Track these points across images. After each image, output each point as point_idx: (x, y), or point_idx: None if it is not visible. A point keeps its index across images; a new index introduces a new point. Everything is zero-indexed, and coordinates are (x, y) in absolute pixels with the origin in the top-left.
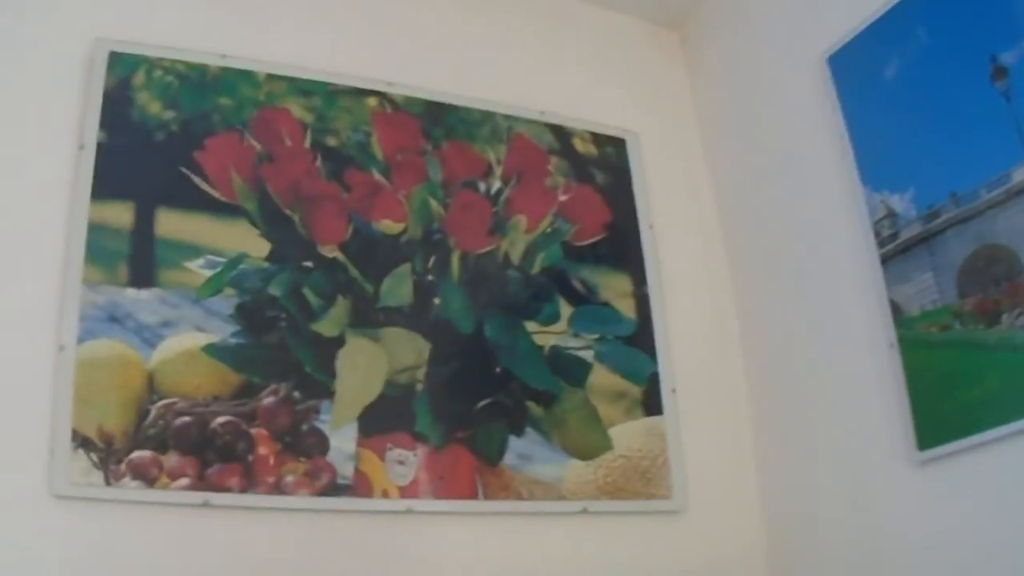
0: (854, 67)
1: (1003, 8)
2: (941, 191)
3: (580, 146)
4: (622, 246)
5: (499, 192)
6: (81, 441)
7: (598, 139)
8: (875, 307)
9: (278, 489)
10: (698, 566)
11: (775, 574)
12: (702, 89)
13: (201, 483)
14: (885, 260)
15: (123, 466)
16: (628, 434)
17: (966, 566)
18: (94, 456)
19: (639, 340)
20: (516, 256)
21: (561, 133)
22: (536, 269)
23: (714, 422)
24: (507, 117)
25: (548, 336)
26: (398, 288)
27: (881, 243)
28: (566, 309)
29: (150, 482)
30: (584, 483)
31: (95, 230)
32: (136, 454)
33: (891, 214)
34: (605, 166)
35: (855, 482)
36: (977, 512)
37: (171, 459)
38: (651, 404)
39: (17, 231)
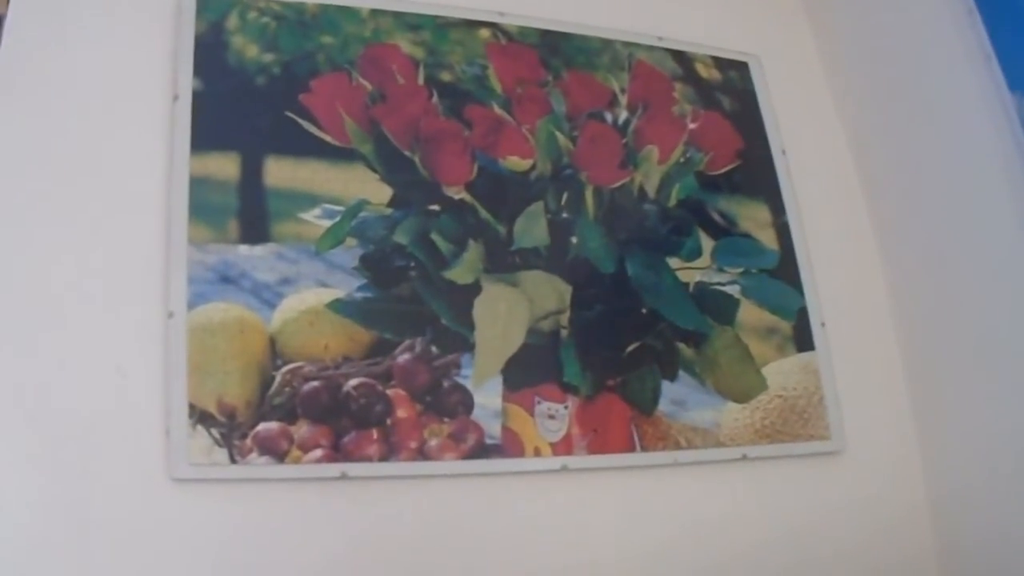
0: None
1: None
2: None
3: (703, 71)
4: (757, 173)
5: (627, 122)
6: (200, 416)
7: (720, 63)
8: None
9: (421, 454)
10: (858, 508)
11: (937, 513)
12: (820, 4)
13: (337, 454)
14: None
15: (249, 441)
16: (782, 372)
17: None
18: (215, 432)
19: (784, 272)
20: (651, 189)
21: (683, 59)
22: (673, 202)
23: (864, 357)
24: (626, 44)
25: (692, 272)
26: (533, 228)
27: None
28: (707, 242)
29: (280, 456)
30: (742, 427)
31: (198, 184)
32: (263, 426)
33: None
34: (730, 91)
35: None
36: None
37: (301, 429)
38: (802, 339)
39: (113, 191)
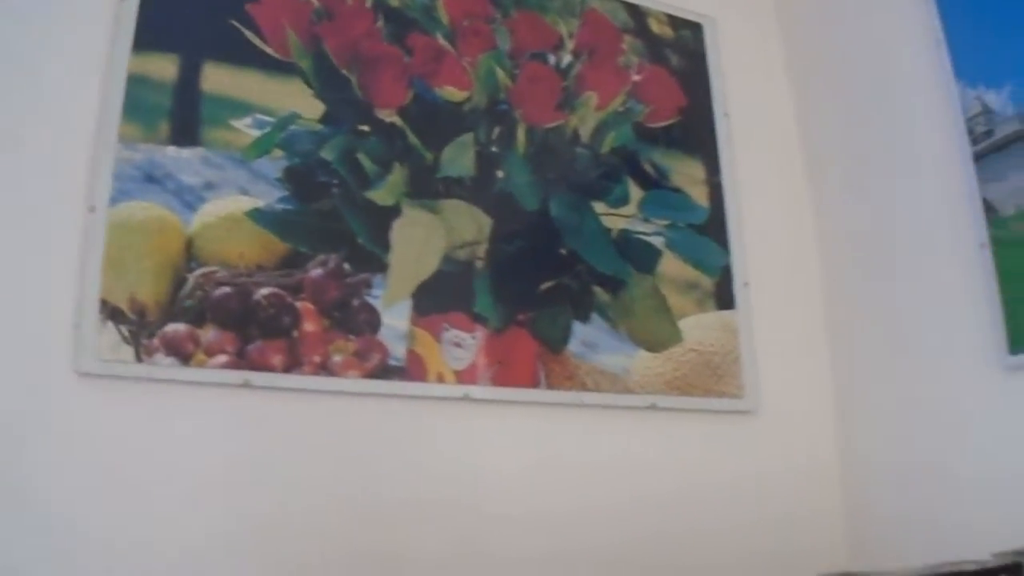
0: None
1: None
2: None
3: (656, 27)
4: (696, 132)
5: (570, 66)
6: (110, 312)
7: (674, 21)
8: (966, 206)
9: (324, 369)
10: (769, 469)
11: (849, 480)
12: None
13: (241, 361)
14: (979, 158)
15: (156, 340)
16: (699, 327)
17: None
18: (124, 329)
19: (711, 230)
20: (586, 133)
21: (636, 12)
22: (606, 148)
23: (787, 320)
24: None
25: (617, 219)
26: (460, 158)
27: (975, 140)
28: (636, 192)
29: (185, 359)
30: (653, 376)
31: (135, 83)
32: (171, 327)
33: (986, 111)
34: (681, 49)
35: (938, 384)
36: None
37: (209, 333)
38: (723, 297)
39: (49, 82)
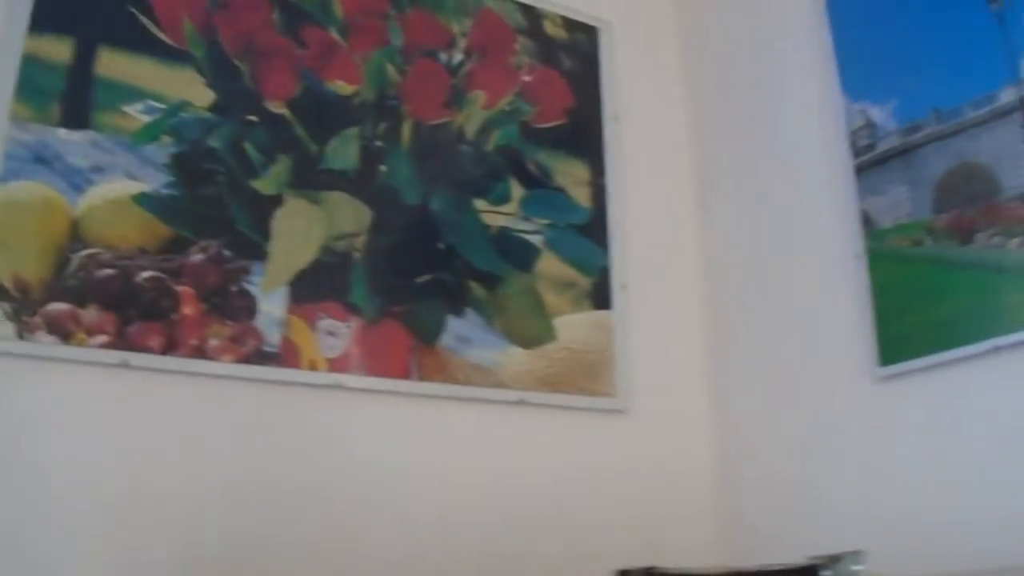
0: None
1: None
2: (924, 106)
3: (550, 29)
4: (583, 134)
5: (460, 64)
6: None
7: (570, 24)
8: (845, 217)
9: (201, 352)
10: (640, 469)
11: (722, 483)
12: None
13: (120, 341)
14: (860, 170)
15: (38, 318)
16: (574, 326)
17: (921, 483)
18: (7, 306)
19: (592, 231)
20: (471, 131)
21: (532, 13)
22: (490, 147)
23: (665, 323)
24: None
25: (497, 216)
26: (344, 150)
27: (856, 153)
28: (518, 191)
29: (66, 337)
30: (524, 372)
31: (29, 64)
32: (53, 306)
33: (869, 125)
34: (574, 52)
35: (810, 393)
36: (936, 430)
37: (90, 313)
38: (600, 297)
39: None
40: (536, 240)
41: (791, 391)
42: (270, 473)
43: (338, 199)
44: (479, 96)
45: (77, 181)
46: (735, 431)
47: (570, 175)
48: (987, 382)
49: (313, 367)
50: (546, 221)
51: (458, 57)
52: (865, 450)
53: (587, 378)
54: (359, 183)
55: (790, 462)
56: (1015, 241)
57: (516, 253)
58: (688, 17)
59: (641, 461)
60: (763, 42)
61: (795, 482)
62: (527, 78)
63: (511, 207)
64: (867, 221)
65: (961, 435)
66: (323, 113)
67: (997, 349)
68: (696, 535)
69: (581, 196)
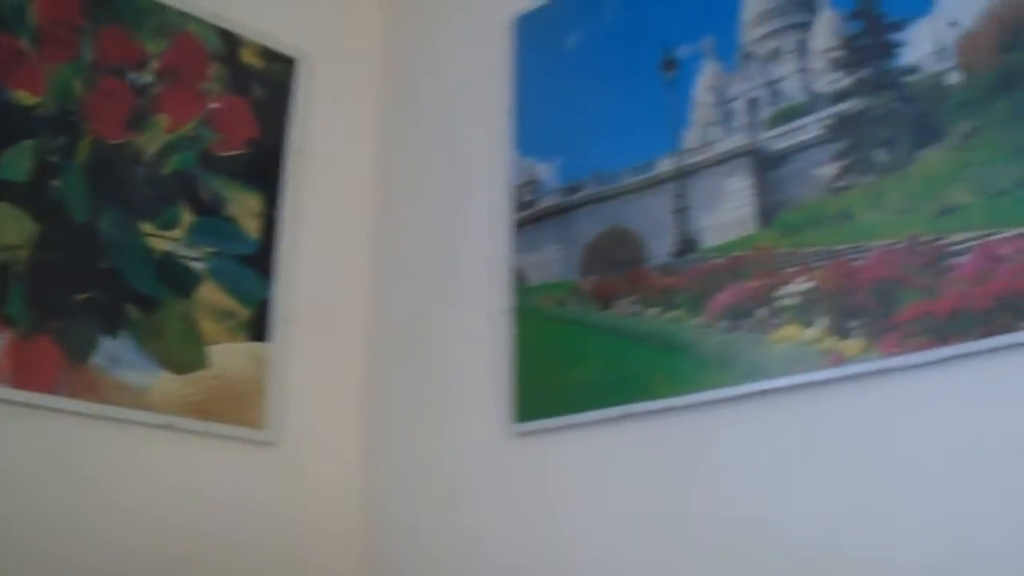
0: (539, 31)
1: (687, 3)
2: (586, 167)
3: (247, 57)
4: (263, 165)
5: (149, 86)
6: None
7: (268, 54)
8: (500, 271)
9: None
10: (286, 503)
11: (368, 525)
12: (394, 25)
13: None
14: (519, 225)
15: None
16: (228, 355)
17: (553, 541)
18: None
19: (258, 262)
20: (149, 154)
21: (230, 40)
22: (166, 170)
23: (326, 361)
24: (180, 13)
25: (163, 241)
26: (18, 161)
27: (519, 208)
28: (188, 217)
29: None
30: (172, 397)
31: None
32: None
33: (534, 181)
34: (268, 82)
35: (451, 443)
36: (565, 490)
37: None
38: (259, 329)
39: None
40: (199, 267)
41: (435, 440)
42: None
43: (4, 210)
44: (163, 119)
45: None
46: (384, 474)
47: (243, 205)
48: (617, 447)
49: None
50: (212, 249)
51: (147, 78)
52: (499, 505)
53: (237, 408)
54: (29, 196)
55: (433, 510)
56: (652, 311)
57: (177, 279)
58: (391, 58)
59: (288, 496)
60: (452, 91)
61: (437, 529)
62: (214, 105)
63: (178, 233)
64: (520, 277)
65: (588, 497)
66: (2, 122)
67: (627, 416)
68: (341, 570)
69: (252, 227)
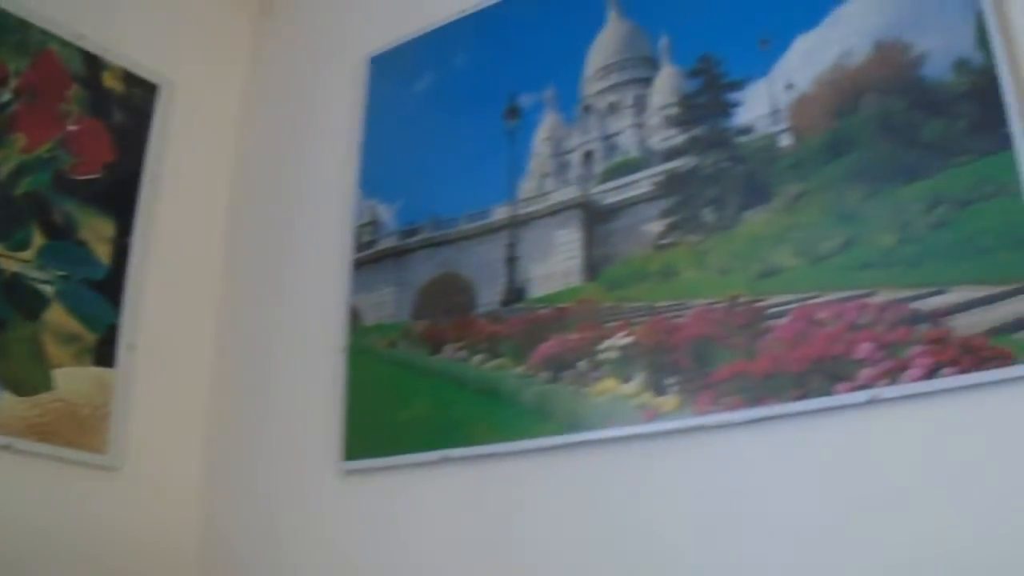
0: (392, 72)
1: (534, 53)
2: (425, 211)
3: (109, 81)
4: (119, 191)
5: (6, 104)
6: None
7: (130, 78)
8: (337, 309)
9: None
10: (125, 529)
11: (207, 556)
12: (258, 58)
13: None
14: (358, 265)
15: None
16: (73, 379)
17: None
18: None
19: (108, 288)
20: (3, 173)
21: (93, 62)
22: (19, 191)
23: (170, 389)
24: (44, 32)
25: (12, 262)
26: None
27: (359, 248)
28: (39, 239)
29: None
30: (14, 418)
31: None
32: None
33: (375, 222)
34: (128, 107)
35: (286, 477)
36: (395, 529)
37: None
38: (106, 354)
39: None
40: (47, 290)
41: (271, 473)
42: None
43: None
44: (19, 139)
45: None
46: (223, 503)
47: (96, 230)
48: (439, 490)
49: None
50: (61, 273)
51: (5, 96)
52: (329, 540)
53: (79, 432)
54: None
55: (265, 542)
56: (478, 357)
57: (24, 301)
58: (253, 90)
59: (128, 522)
60: (308, 127)
61: (267, 560)
62: (73, 127)
63: (28, 255)
64: (356, 316)
65: (411, 538)
66: None
67: (448, 460)
68: None
69: (103, 252)
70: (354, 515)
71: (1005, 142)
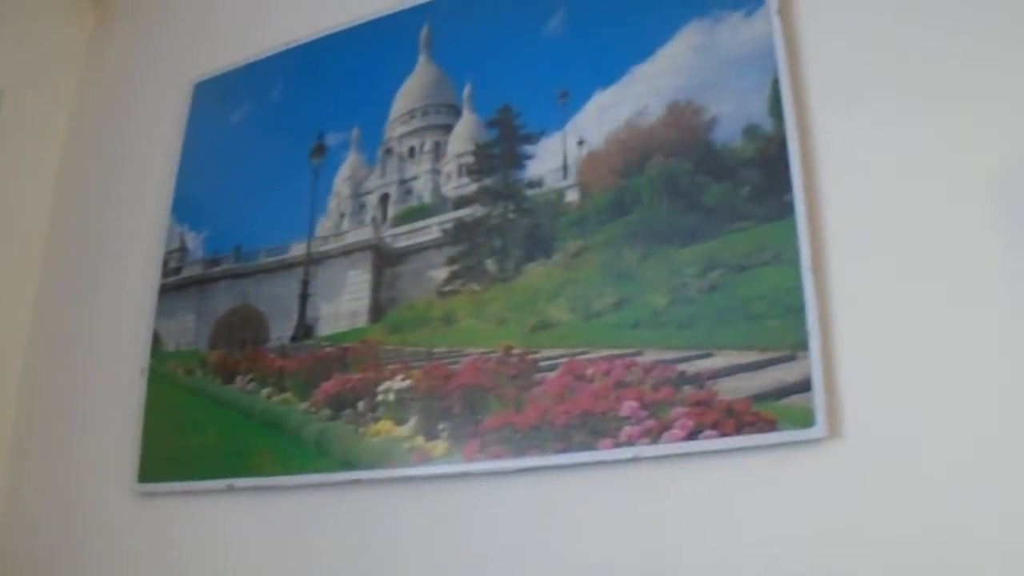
0: (214, 100)
1: (345, 92)
2: (229, 241)
3: None
4: None
5: None
6: None
7: None
8: (140, 332)
9: None
10: None
11: (2, 568)
12: (90, 71)
13: None
14: (163, 291)
15: None
16: None
17: None
18: None
19: None
20: None
21: None
22: None
23: None
24: None
25: None
26: None
27: (166, 273)
28: None
29: None
30: None
31: None
32: None
33: (183, 249)
34: None
35: (83, 496)
36: (187, 554)
37: None
38: None
39: None
40: None
41: (70, 490)
42: None
43: None
44: None
45: None
46: (24, 517)
47: None
48: (223, 517)
49: None
50: None
51: None
52: (122, 560)
53: None
54: None
55: (60, 557)
56: (266, 391)
57: None
58: (82, 103)
59: None
60: (131, 148)
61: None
62: None
63: None
64: (157, 341)
65: (202, 564)
66: None
67: (232, 488)
68: None
69: None
70: (147, 537)
71: (786, 210)
